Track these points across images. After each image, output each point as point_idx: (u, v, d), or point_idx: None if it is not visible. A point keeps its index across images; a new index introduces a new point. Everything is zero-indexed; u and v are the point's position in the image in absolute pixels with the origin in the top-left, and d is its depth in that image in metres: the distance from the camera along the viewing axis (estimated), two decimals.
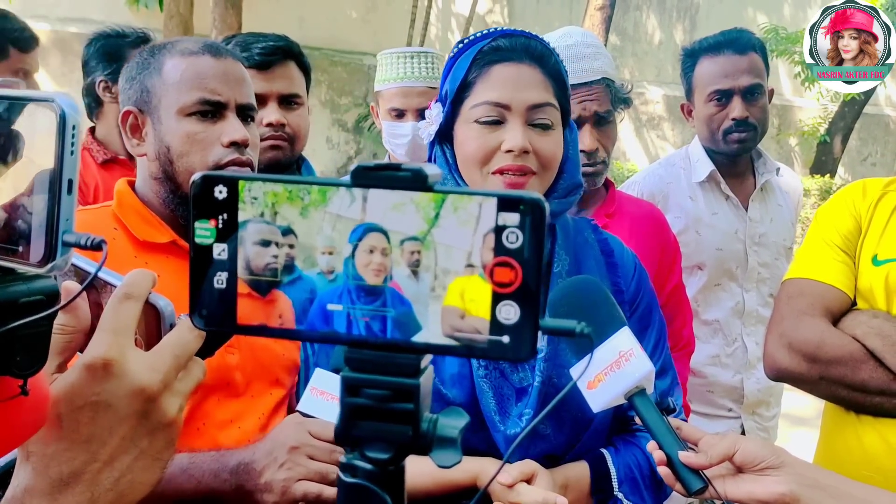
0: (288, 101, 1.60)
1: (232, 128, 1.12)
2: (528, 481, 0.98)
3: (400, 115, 1.91)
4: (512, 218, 0.41)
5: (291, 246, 0.43)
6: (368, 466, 0.43)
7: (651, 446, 0.89)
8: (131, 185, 1.19)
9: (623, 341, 0.91)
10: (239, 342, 1.13)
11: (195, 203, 0.43)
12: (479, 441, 1.01)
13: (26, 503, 0.48)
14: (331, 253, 0.43)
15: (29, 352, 0.45)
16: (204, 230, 0.44)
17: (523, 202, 0.41)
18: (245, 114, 1.16)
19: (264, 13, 7.59)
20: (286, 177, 0.44)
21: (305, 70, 1.66)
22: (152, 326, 0.54)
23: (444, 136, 1.10)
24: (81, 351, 0.53)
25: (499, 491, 0.97)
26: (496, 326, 0.42)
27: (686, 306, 1.79)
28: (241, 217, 0.43)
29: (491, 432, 1.02)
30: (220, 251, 0.43)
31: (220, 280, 0.44)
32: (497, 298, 0.41)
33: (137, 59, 1.17)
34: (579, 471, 1.05)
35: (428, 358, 0.44)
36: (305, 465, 0.95)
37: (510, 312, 0.41)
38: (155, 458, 0.52)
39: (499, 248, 0.41)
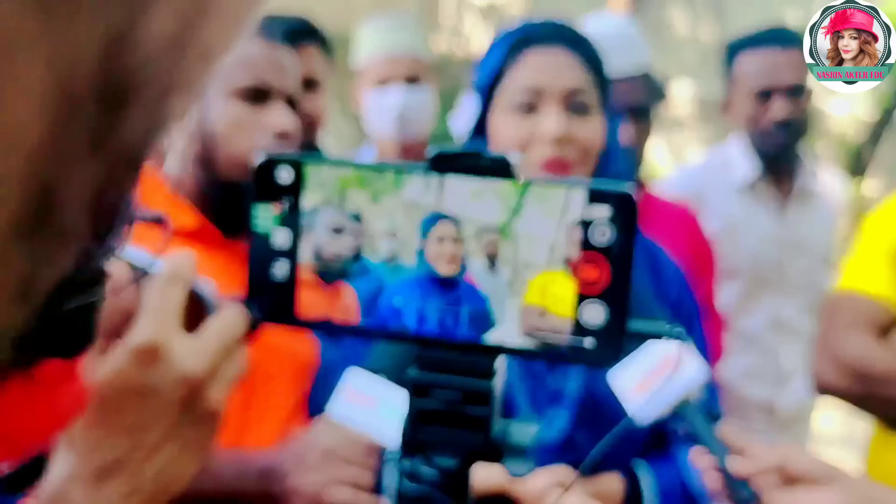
0: (308, 86, 1.48)
1: (279, 116, 1.09)
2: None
3: (385, 83, 1.79)
4: (601, 212, 0.38)
5: (361, 234, 0.40)
6: (434, 473, 0.40)
7: (698, 452, 0.87)
8: (157, 167, 1.17)
9: (670, 344, 0.88)
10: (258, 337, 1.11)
11: (256, 185, 0.40)
12: None
13: (68, 491, 0.46)
14: (393, 236, 0.40)
15: (77, 333, 0.43)
16: (265, 215, 0.41)
17: (615, 195, 0.38)
18: (291, 103, 1.14)
19: (274, 2, 7.57)
20: (357, 162, 0.41)
21: (328, 52, 1.61)
22: (193, 311, 0.52)
23: (479, 129, 1.07)
24: (119, 336, 0.51)
25: (529, 495, 0.94)
26: (579, 328, 0.38)
27: (715, 314, 1.74)
28: (307, 202, 0.40)
29: None
30: (281, 238, 0.41)
31: (280, 269, 0.41)
32: (581, 298, 0.38)
33: None
34: (612, 483, 1.03)
35: (502, 359, 0.41)
36: (338, 469, 0.92)
37: (595, 313, 0.38)
38: (198, 447, 0.50)
39: (586, 244, 0.38)
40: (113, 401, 0.47)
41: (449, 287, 0.40)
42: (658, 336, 0.40)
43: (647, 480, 1.03)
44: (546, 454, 0.98)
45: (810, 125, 1.92)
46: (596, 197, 0.38)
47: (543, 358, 0.40)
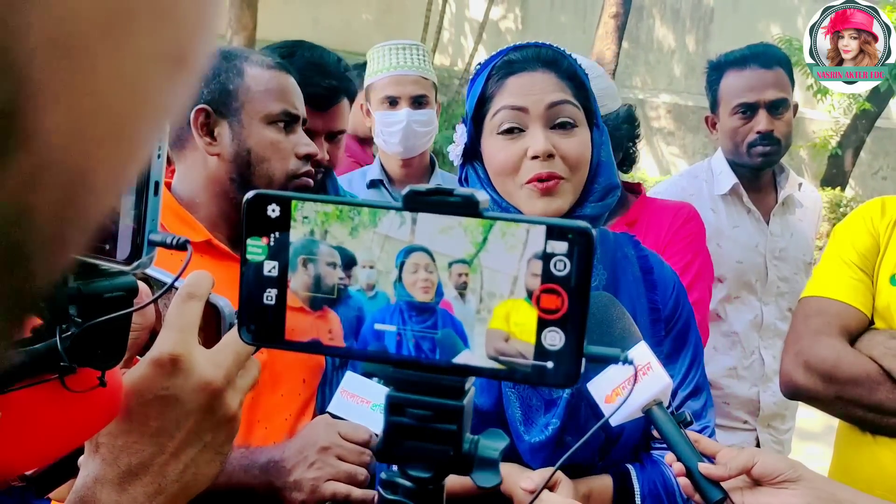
0: (334, 136, 1.61)
1: (305, 141, 1.20)
2: (552, 488, 0.99)
3: (393, 102, 1.94)
4: (560, 246, 0.42)
5: (344, 265, 0.44)
6: (409, 484, 0.44)
7: (669, 458, 0.90)
8: (167, 185, 1.22)
9: (639, 355, 0.92)
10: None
11: (248, 220, 0.44)
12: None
13: (97, 493, 0.50)
14: (371, 267, 0.44)
15: (109, 346, 0.47)
16: (256, 247, 0.44)
17: (572, 231, 0.41)
18: (303, 127, 1.24)
19: (279, 14, 7.63)
20: (339, 198, 0.44)
21: (352, 99, 1.66)
22: (211, 325, 0.55)
23: (472, 154, 1.12)
24: (142, 352, 0.54)
25: (521, 496, 0.98)
26: (541, 352, 0.42)
27: (699, 292, 1.78)
28: (293, 235, 0.44)
29: (515, 441, 1.03)
30: (270, 268, 0.44)
31: (269, 296, 0.45)
32: (542, 324, 0.42)
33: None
34: (603, 483, 1.06)
35: (471, 380, 0.45)
36: (335, 465, 0.97)
37: (555, 339, 0.42)
38: (217, 451, 0.54)
39: (546, 276, 0.42)
40: (137, 408, 0.51)
41: (426, 313, 0.44)
42: (613, 361, 0.44)
43: (637, 480, 1.06)
44: (539, 456, 1.02)
45: (792, 138, 1.99)
46: (554, 233, 0.42)
47: (509, 379, 0.43)
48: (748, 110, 1.92)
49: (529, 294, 0.42)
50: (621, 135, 1.59)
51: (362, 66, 2.03)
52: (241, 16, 6.31)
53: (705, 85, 2.04)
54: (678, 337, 1.14)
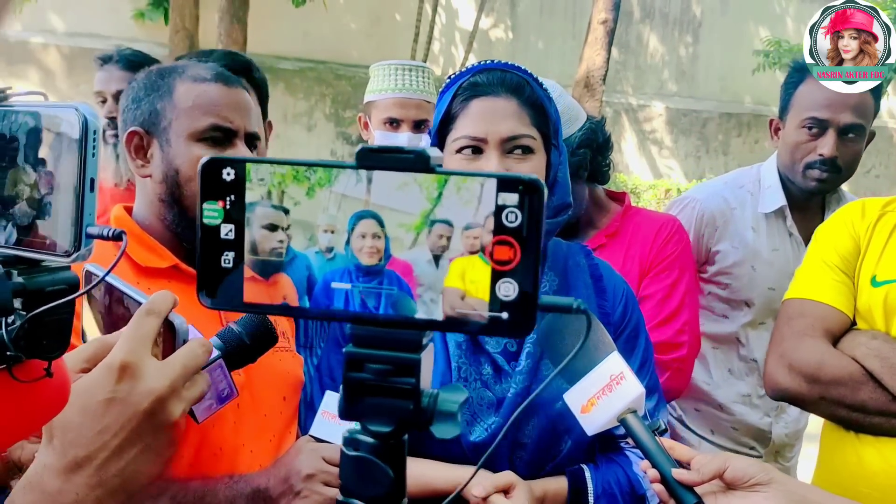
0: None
1: (239, 154, 1.12)
2: (507, 491, 1.00)
3: (395, 125, 1.95)
4: (511, 198, 0.42)
5: (289, 226, 0.45)
6: (370, 440, 0.44)
7: (644, 465, 0.92)
8: (128, 210, 1.19)
9: (613, 365, 0.94)
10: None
11: (203, 184, 0.45)
12: (454, 447, 1.03)
13: (44, 478, 0.56)
14: (332, 231, 0.45)
15: (53, 337, 0.49)
16: (212, 211, 0.45)
17: (522, 182, 0.42)
18: (251, 142, 1.17)
19: (269, 28, 7.67)
20: (293, 159, 0.45)
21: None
22: (169, 340, 0.61)
23: None
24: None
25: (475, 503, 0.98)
26: (496, 303, 0.43)
27: (689, 310, 1.68)
28: (249, 198, 0.45)
29: (461, 438, 1.04)
30: (227, 231, 0.45)
31: (227, 259, 0.45)
32: (496, 276, 0.43)
33: (144, 80, 1.17)
34: (558, 484, 1.07)
35: (429, 335, 0.45)
36: (322, 491, 0.96)
37: (509, 289, 0.42)
38: (158, 453, 0.59)
39: (498, 227, 0.42)
40: (89, 406, 0.56)
41: (374, 274, 0.45)
42: (566, 310, 0.45)
43: (591, 480, 1.08)
44: (480, 453, 1.02)
45: (856, 168, 1.79)
46: (505, 185, 0.42)
47: (465, 331, 0.44)
48: (817, 127, 1.71)
49: (483, 249, 0.43)
50: (576, 161, 1.56)
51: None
52: (231, 30, 6.34)
53: (782, 85, 1.82)
54: (628, 340, 1.18)
